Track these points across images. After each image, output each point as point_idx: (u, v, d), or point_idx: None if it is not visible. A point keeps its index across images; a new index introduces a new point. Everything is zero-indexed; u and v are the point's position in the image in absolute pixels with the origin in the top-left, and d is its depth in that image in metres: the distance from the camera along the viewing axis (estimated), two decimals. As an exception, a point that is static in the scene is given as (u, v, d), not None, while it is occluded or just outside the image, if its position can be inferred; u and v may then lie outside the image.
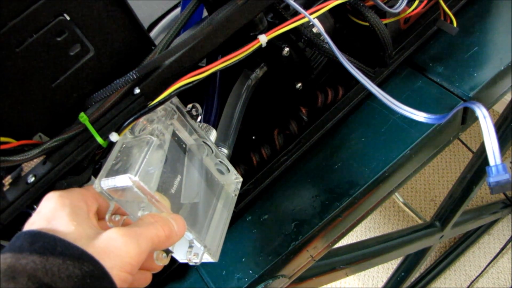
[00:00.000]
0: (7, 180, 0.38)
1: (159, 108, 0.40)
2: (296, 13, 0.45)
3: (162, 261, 0.37)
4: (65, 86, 0.37)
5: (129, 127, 0.38)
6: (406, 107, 0.48)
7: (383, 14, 0.55)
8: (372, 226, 1.60)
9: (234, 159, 0.52)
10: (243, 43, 0.42)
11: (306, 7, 0.44)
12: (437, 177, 1.62)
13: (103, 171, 0.36)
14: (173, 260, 0.40)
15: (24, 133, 0.37)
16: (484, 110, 0.42)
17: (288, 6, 0.51)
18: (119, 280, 0.31)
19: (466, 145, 1.51)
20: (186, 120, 0.43)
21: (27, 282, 0.27)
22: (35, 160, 0.37)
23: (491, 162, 0.40)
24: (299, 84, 0.57)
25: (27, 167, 0.38)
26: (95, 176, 0.37)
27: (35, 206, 0.37)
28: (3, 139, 0.35)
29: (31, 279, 0.28)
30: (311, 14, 0.43)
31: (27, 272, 0.28)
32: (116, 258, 0.31)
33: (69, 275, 0.28)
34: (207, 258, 0.42)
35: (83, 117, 0.36)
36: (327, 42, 0.46)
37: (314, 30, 0.53)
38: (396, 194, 1.55)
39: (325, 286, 0.80)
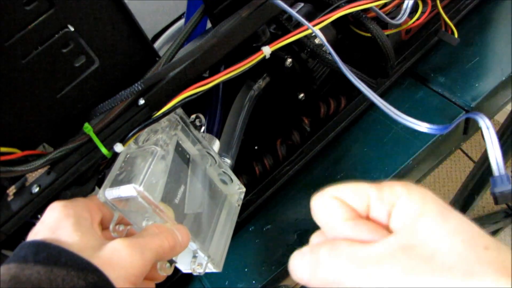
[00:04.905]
0: (11, 190, 0.38)
1: (163, 119, 0.40)
2: (298, 24, 0.45)
3: (165, 271, 0.37)
4: (70, 97, 0.37)
5: (134, 137, 0.38)
6: (408, 118, 0.48)
7: (384, 25, 0.55)
8: (374, 236, 1.59)
9: (237, 169, 0.52)
10: (245, 54, 0.42)
11: (308, 18, 0.45)
12: (438, 186, 1.62)
13: (107, 181, 0.36)
14: (175, 270, 0.40)
15: (29, 144, 0.37)
16: (487, 121, 0.42)
17: (290, 17, 0.51)
18: (123, 291, 0.31)
19: (467, 155, 1.51)
20: (190, 131, 0.43)
21: (31, 293, 0.27)
22: (39, 170, 0.37)
23: (495, 172, 0.40)
24: (302, 95, 0.57)
25: (31, 177, 0.39)
26: (99, 186, 0.37)
27: (39, 216, 0.37)
28: (7, 149, 0.35)
29: (36, 290, 0.28)
30: (314, 25, 0.43)
31: (31, 283, 0.28)
32: (120, 269, 0.31)
33: (74, 286, 0.28)
34: (211, 268, 0.42)
35: (87, 128, 0.36)
36: (330, 53, 0.46)
37: (317, 41, 0.53)
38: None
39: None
